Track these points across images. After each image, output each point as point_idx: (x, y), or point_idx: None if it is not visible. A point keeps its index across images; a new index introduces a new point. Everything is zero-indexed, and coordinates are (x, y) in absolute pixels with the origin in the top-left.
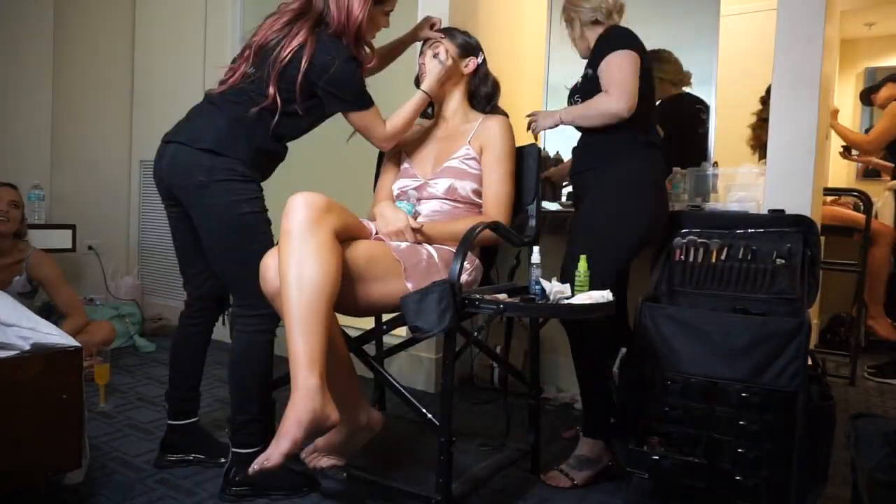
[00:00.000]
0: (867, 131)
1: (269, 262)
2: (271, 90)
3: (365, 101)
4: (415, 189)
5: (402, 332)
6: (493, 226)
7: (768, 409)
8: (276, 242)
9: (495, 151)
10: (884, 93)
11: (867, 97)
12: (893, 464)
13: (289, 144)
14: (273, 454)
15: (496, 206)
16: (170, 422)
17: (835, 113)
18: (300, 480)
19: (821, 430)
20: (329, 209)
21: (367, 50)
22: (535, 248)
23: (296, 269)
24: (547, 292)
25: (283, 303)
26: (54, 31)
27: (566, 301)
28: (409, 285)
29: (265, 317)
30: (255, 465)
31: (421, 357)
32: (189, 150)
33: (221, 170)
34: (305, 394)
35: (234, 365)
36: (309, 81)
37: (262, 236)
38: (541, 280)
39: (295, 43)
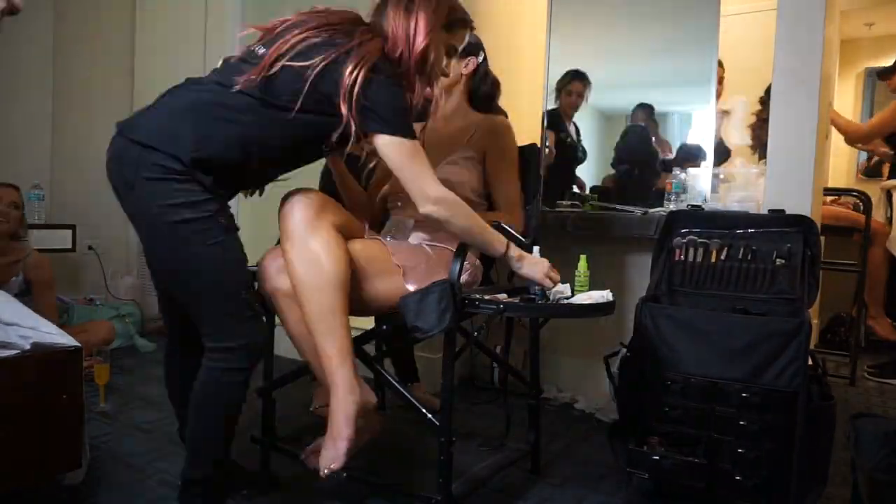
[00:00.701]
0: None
1: (268, 262)
2: (288, 100)
3: (405, 130)
4: None
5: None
6: (495, 225)
7: (768, 409)
8: (276, 243)
9: (500, 154)
10: None
11: (883, 77)
12: (893, 464)
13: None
14: (336, 457)
15: (509, 207)
16: None
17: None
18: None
19: (821, 430)
20: (325, 204)
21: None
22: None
23: (307, 268)
24: (546, 292)
25: (301, 304)
26: (54, 31)
27: (566, 301)
28: (410, 286)
29: (233, 351)
30: (324, 471)
31: (421, 357)
32: (122, 140)
33: (150, 165)
34: (346, 388)
35: (195, 406)
36: (344, 94)
37: (209, 252)
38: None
39: (358, 60)
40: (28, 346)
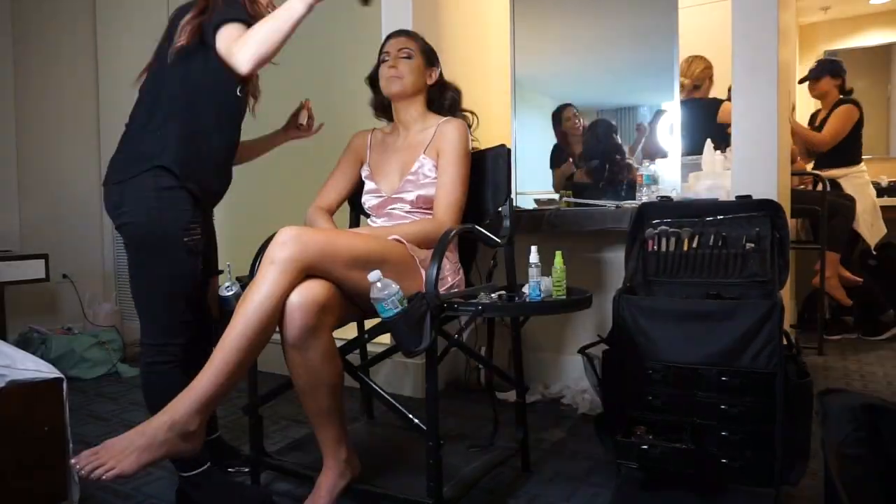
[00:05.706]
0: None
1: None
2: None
3: (241, 16)
4: (382, 204)
5: (385, 339)
6: (469, 229)
7: (748, 392)
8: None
9: (448, 155)
10: (823, 86)
11: (803, 82)
12: (860, 438)
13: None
14: None
15: (446, 209)
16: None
17: (792, 107)
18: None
19: (799, 407)
20: (327, 304)
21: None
22: (534, 248)
23: (307, 377)
24: (524, 291)
25: (302, 400)
26: (13, 59)
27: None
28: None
29: (169, 347)
30: None
31: (406, 363)
32: (107, 189)
33: (133, 187)
34: (338, 472)
35: (149, 401)
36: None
37: (174, 254)
38: (541, 279)
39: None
40: (3, 384)
